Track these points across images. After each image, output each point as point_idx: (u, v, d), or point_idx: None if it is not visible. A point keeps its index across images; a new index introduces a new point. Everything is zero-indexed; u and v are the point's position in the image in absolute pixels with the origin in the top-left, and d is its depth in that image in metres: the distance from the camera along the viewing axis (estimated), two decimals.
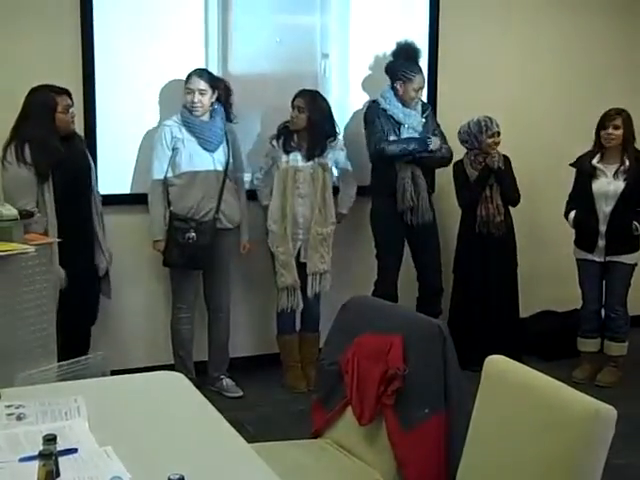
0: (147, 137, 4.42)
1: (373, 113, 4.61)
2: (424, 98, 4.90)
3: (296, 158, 4.40)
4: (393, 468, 2.48)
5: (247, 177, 4.55)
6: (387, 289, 4.59)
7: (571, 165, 4.66)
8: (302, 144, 4.42)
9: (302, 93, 4.43)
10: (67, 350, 3.31)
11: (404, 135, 4.60)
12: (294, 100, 4.41)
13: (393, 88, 4.62)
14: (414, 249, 4.78)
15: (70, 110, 3.83)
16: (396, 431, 2.46)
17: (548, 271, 5.41)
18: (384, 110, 4.59)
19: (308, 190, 4.41)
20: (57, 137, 3.77)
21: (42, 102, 3.75)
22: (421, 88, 4.64)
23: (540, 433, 1.84)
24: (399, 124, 4.61)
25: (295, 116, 4.40)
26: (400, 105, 4.61)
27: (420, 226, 4.64)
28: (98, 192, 4.06)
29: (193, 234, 4.16)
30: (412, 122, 4.63)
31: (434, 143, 4.59)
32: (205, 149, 4.21)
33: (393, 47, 4.69)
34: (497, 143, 4.73)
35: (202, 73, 4.23)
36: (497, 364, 2.07)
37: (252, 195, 4.54)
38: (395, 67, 4.63)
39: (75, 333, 3.84)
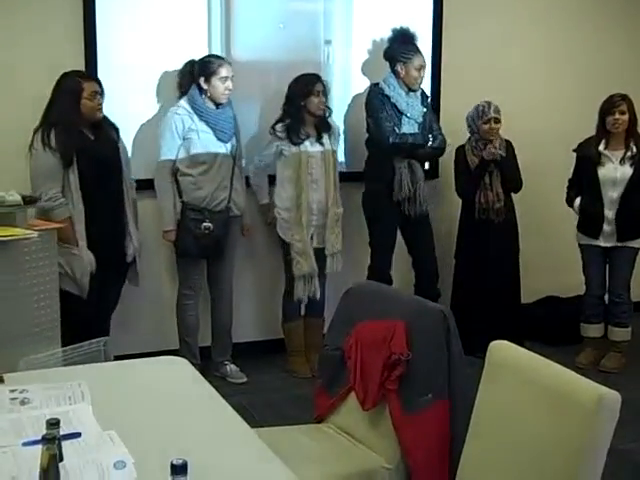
0: (149, 123, 4.40)
1: (378, 100, 4.57)
2: (427, 83, 4.88)
3: (305, 144, 4.38)
4: (396, 453, 2.49)
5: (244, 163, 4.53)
6: (381, 274, 4.58)
7: (574, 151, 4.65)
8: (310, 131, 4.40)
9: (318, 78, 4.40)
10: (87, 334, 3.31)
11: (404, 125, 4.58)
12: (314, 85, 4.35)
13: (394, 72, 4.59)
14: (410, 238, 4.77)
15: (97, 97, 3.80)
16: (399, 416, 2.47)
17: (552, 257, 5.41)
18: (387, 97, 4.57)
19: (320, 174, 4.40)
20: (83, 122, 3.77)
21: (68, 87, 3.76)
22: (422, 67, 4.61)
23: (544, 418, 1.83)
24: (401, 114, 4.59)
25: (321, 101, 4.37)
26: (404, 93, 4.59)
27: (416, 215, 4.64)
28: (132, 180, 4.05)
29: (209, 224, 4.16)
30: (414, 113, 4.61)
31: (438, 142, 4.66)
32: (220, 140, 4.20)
33: (389, 33, 4.67)
34: (493, 129, 4.70)
35: (225, 59, 4.23)
36: (501, 349, 2.07)
37: (247, 180, 4.52)
38: (393, 50, 4.62)
39: (96, 317, 3.86)
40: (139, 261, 4.08)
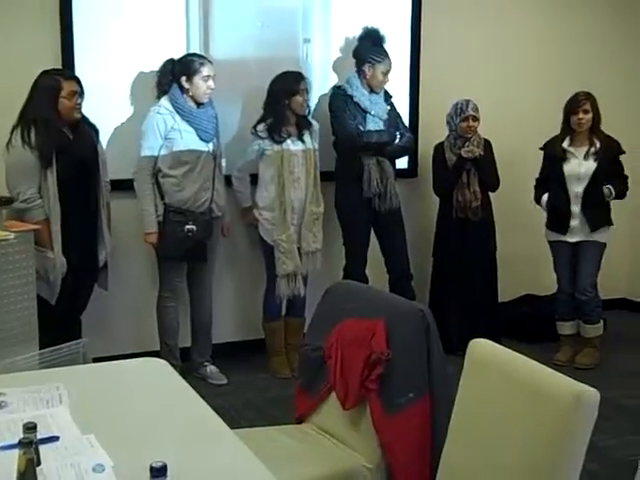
0: (126, 123, 4.38)
1: (340, 101, 4.59)
2: (406, 80, 4.89)
3: (287, 143, 4.37)
4: (377, 452, 2.49)
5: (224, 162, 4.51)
6: (356, 274, 4.57)
7: (540, 149, 4.71)
8: (291, 129, 4.39)
9: (301, 76, 4.40)
10: (58, 338, 3.28)
11: (369, 123, 4.58)
12: (299, 84, 4.34)
13: (360, 72, 4.60)
14: (380, 235, 4.77)
15: (75, 96, 3.76)
16: (380, 416, 2.47)
17: (529, 255, 5.43)
18: (350, 97, 4.58)
19: (301, 173, 4.39)
20: (61, 122, 3.72)
21: (46, 85, 3.71)
22: (388, 72, 4.62)
23: (524, 416, 1.84)
24: (365, 112, 4.59)
25: (305, 100, 4.37)
26: (366, 92, 4.60)
27: (387, 212, 4.64)
28: (107, 183, 4.01)
29: (192, 226, 4.13)
30: (378, 110, 4.62)
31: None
32: (202, 139, 4.17)
33: (360, 31, 4.67)
34: (471, 127, 4.72)
35: (207, 58, 4.22)
36: (481, 347, 2.07)
37: (227, 179, 4.49)
38: (363, 50, 4.61)
39: (66, 321, 3.82)
40: (110, 265, 4.05)
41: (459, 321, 4.74)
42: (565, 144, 4.58)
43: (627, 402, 4.13)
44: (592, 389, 1.76)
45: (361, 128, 4.54)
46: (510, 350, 2.03)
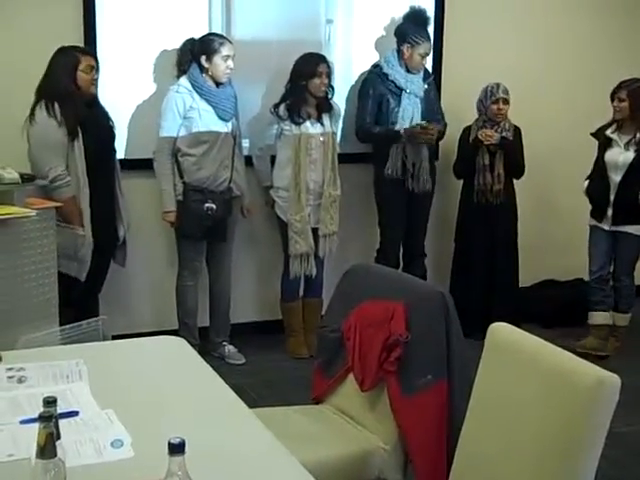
0: (146, 102, 4.38)
1: (368, 85, 4.60)
2: (429, 64, 4.86)
3: (306, 125, 4.36)
4: (394, 434, 2.49)
5: (245, 143, 4.52)
6: (390, 257, 4.61)
7: (591, 135, 4.61)
8: (310, 111, 4.38)
9: (322, 58, 4.38)
10: (77, 315, 3.30)
11: (404, 100, 4.57)
12: (317, 66, 4.32)
13: (399, 51, 4.59)
14: (407, 213, 4.77)
15: (93, 71, 3.78)
16: (398, 398, 2.46)
17: (552, 241, 5.39)
18: (385, 75, 4.57)
19: (319, 155, 4.38)
20: (81, 95, 3.73)
21: (64, 60, 3.73)
22: (427, 54, 4.63)
23: (543, 401, 1.83)
24: (400, 90, 4.58)
25: (323, 83, 4.35)
26: (403, 70, 4.59)
27: (421, 194, 4.65)
28: (118, 160, 4.04)
29: (212, 205, 4.13)
30: (414, 88, 4.61)
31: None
32: (221, 119, 4.17)
33: (406, 10, 4.66)
34: (502, 110, 4.68)
35: (227, 38, 4.20)
36: (501, 331, 2.06)
37: (247, 160, 4.50)
38: (405, 30, 4.61)
39: (87, 299, 3.85)
40: (130, 244, 4.07)
41: (479, 305, 4.71)
42: (609, 131, 4.49)
43: None
44: (613, 375, 1.74)
45: (368, 119, 4.56)
46: (530, 334, 2.01)
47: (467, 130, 4.80)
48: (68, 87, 3.67)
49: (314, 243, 4.45)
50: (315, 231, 4.46)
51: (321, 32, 4.79)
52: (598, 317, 4.70)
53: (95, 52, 4.06)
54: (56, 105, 3.62)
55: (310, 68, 4.33)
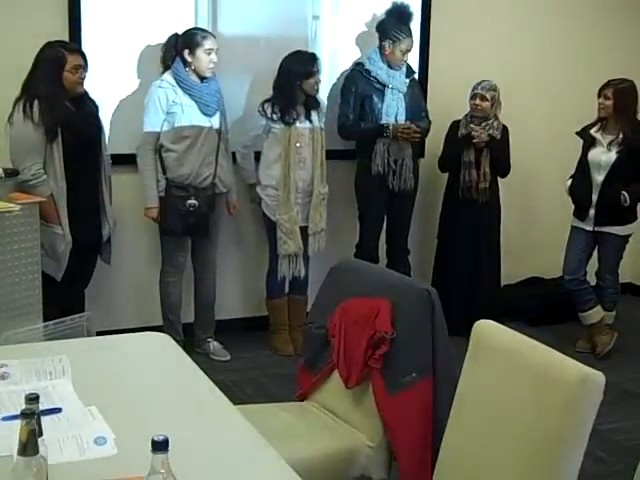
0: (130, 98, 4.35)
1: (350, 82, 4.60)
2: (416, 62, 4.86)
3: (295, 123, 4.34)
4: (379, 431, 2.49)
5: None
6: (369, 252, 4.59)
7: (576, 133, 4.60)
8: (299, 110, 4.36)
9: (315, 57, 4.37)
10: (61, 313, 3.28)
11: (387, 96, 4.57)
12: (312, 66, 4.31)
13: (381, 47, 4.58)
14: (389, 212, 4.78)
15: (80, 70, 3.72)
16: (383, 394, 2.46)
17: (536, 239, 5.41)
18: (368, 71, 4.57)
19: (307, 152, 4.37)
20: (65, 95, 3.68)
21: (51, 58, 3.65)
22: (408, 51, 4.61)
23: (527, 397, 1.83)
24: (383, 86, 4.58)
25: (316, 82, 4.35)
26: (385, 66, 4.59)
27: (401, 192, 4.64)
28: (108, 157, 3.99)
29: (194, 201, 4.11)
30: (396, 83, 4.60)
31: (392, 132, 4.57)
32: (204, 114, 4.14)
33: (388, 5, 4.63)
34: (477, 107, 4.66)
35: (209, 32, 4.18)
36: (485, 328, 2.06)
37: (234, 156, 4.48)
38: (386, 25, 4.59)
39: (69, 296, 3.82)
40: (114, 240, 4.04)
41: (462, 303, 4.72)
42: (593, 130, 4.48)
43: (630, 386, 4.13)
44: (598, 372, 1.75)
45: (350, 117, 4.56)
46: (515, 332, 2.02)
47: (456, 124, 4.80)
48: (51, 87, 3.60)
49: (305, 241, 4.44)
50: (303, 229, 4.44)
51: (307, 28, 4.78)
52: (593, 315, 4.65)
53: (80, 47, 4.02)
54: (35, 105, 3.56)
55: (305, 68, 4.31)
